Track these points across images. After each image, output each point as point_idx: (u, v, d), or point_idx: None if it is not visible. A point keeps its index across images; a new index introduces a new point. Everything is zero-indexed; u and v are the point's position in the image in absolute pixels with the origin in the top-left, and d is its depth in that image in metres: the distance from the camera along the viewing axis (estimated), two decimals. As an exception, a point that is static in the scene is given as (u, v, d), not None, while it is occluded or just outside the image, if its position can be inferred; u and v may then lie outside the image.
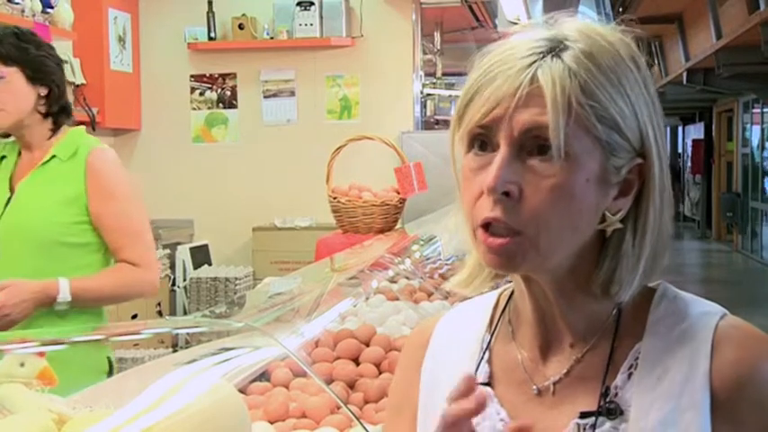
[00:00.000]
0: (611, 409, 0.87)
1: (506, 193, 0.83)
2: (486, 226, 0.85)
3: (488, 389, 0.94)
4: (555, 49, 0.85)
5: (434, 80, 7.66)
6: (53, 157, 2.32)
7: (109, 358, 2.35)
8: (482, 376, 0.95)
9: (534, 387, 0.92)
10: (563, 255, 0.87)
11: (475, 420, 0.93)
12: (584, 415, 0.88)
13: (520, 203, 0.83)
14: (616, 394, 0.88)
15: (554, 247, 0.85)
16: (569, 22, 0.88)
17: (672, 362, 0.87)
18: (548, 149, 0.82)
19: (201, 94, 5.94)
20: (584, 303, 0.91)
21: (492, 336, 0.98)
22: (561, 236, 0.85)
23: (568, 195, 0.83)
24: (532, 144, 0.83)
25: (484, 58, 0.87)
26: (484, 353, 0.97)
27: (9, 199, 2.30)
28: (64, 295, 2.20)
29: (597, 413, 0.87)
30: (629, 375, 0.88)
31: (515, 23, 5.46)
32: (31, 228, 2.26)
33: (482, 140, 0.86)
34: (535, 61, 0.84)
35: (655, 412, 0.85)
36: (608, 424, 0.87)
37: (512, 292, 0.98)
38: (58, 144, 2.34)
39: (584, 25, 0.88)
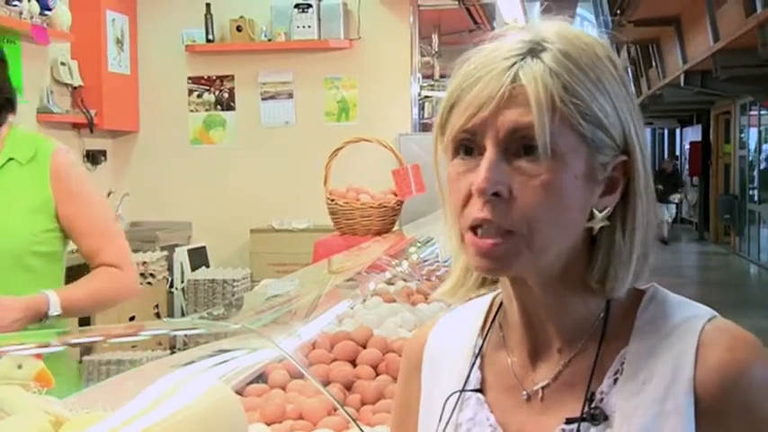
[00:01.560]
0: (594, 415, 0.86)
1: (496, 194, 0.83)
2: (475, 229, 0.85)
3: (479, 395, 0.94)
4: (533, 50, 0.85)
5: (432, 82, 7.67)
6: (9, 159, 2.14)
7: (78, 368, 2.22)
8: (473, 382, 0.95)
9: (524, 392, 0.92)
10: (554, 254, 0.86)
11: (466, 427, 0.94)
12: (569, 421, 0.87)
13: (510, 204, 0.83)
14: (602, 400, 0.87)
15: (547, 245, 0.85)
16: (546, 24, 0.89)
17: (656, 366, 0.86)
18: (534, 149, 0.83)
19: (199, 96, 5.94)
20: (573, 305, 0.90)
21: (484, 341, 0.98)
22: (553, 234, 0.85)
23: (558, 193, 0.83)
24: (518, 145, 0.83)
25: (463, 65, 0.87)
26: (475, 359, 0.96)
27: None
28: (54, 309, 2.08)
29: (581, 419, 0.86)
30: (615, 380, 0.88)
31: (516, 24, 5.46)
32: (10, 243, 2.10)
33: (467, 146, 0.86)
34: (515, 63, 0.84)
35: (638, 418, 0.85)
36: (592, 430, 0.86)
37: None
38: (8, 145, 2.16)
39: (560, 27, 0.88)
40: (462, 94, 0.85)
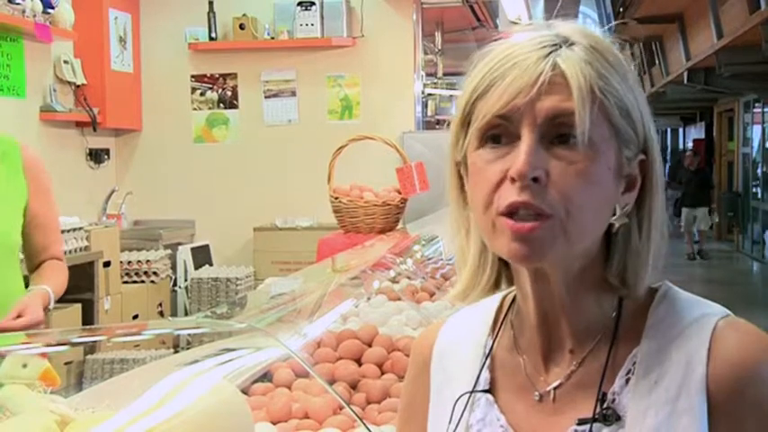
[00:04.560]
0: (606, 416, 0.86)
1: (535, 179, 0.82)
2: (511, 214, 0.83)
3: (489, 396, 0.94)
4: (565, 42, 0.86)
5: (435, 80, 7.67)
6: None
7: None
8: (483, 383, 0.94)
9: (536, 393, 0.91)
10: (586, 244, 0.86)
11: (477, 427, 0.93)
12: (581, 422, 0.86)
13: (548, 188, 0.82)
14: (614, 400, 0.87)
15: (581, 233, 0.84)
16: (565, 24, 0.89)
17: (668, 365, 0.86)
18: (569, 137, 0.82)
19: (202, 94, 5.94)
20: (588, 303, 0.90)
21: (494, 341, 0.97)
22: (588, 222, 0.84)
23: (594, 182, 0.83)
24: (554, 132, 0.83)
25: (486, 57, 0.87)
26: (485, 359, 0.96)
27: None
28: (52, 303, 2.13)
29: (593, 420, 0.86)
30: (627, 380, 0.87)
31: (516, 23, 5.46)
32: (7, 238, 2.14)
33: (496, 133, 0.85)
34: (551, 51, 0.84)
35: (651, 417, 0.84)
36: (605, 431, 0.85)
37: (515, 296, 0.97)
38: None
39: (581, 27, 0.89)
40: (494, 81, 0.84)
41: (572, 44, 0.85)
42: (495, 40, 0.89)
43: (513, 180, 0.82)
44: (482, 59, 0.87)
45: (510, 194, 0.82)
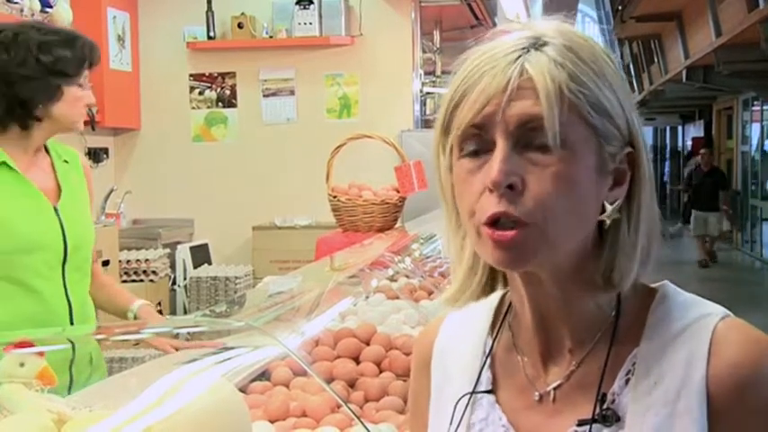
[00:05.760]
0: (606, 416, 0.86)
1: (510, 187, 0.82)
2: (492, 223, 0.83)
3: (491, 396, 0.94)
4: (536, 44, 0.85)
5: (434, 78, 7.66)
6: (65, 161, 2.24)
7: None
8: (485, 383, 0.95)
9: (536, 393, 0.91)
10: (570, 246, 0.85)
11: (478, 427, 0.93)
12: (581, 423, 0.87)
13: (524, 195, 0.82)
14: (613, 401, 0.87)
15: (562, 236, 0.84)
16: (543, 22, 0.89)
17: (668, 366, 0.86)
18: (544, 141, 0.82)
19: (201, 93, 5.93)
20: (585, 303, 0.89)
21: (494, 340, 0.97)
22: (568, 225, 0.84)
23: (571, 184, 0.83)
24: (529, 137, 0.83)
25: (462, 65, 0.87)
26: (486, 359, 0.96)
27: (56, 208, 2.14)
28: None
29: (593, 420, 0.86)
30: (627, 381, 0.87)
31: (516, 22, 5.46)
32: (91, 239, 2.25)
33: (475, 142, 0.85)
34: (520, 56, 0.84)
35: (650, 418, 0.84)
36: (605, 431, 0.86)
37: None
38: (53, 149, 2.24)
39: (558, 25, 0.88)
40: (467, 91, 0.84)
41: (544, 44, 0.84)
42: (477, 41, 0.88)
43: (490, 189, 0.82)
44: (459, 67, 0.87)
45: (489, 205, 0.83)
